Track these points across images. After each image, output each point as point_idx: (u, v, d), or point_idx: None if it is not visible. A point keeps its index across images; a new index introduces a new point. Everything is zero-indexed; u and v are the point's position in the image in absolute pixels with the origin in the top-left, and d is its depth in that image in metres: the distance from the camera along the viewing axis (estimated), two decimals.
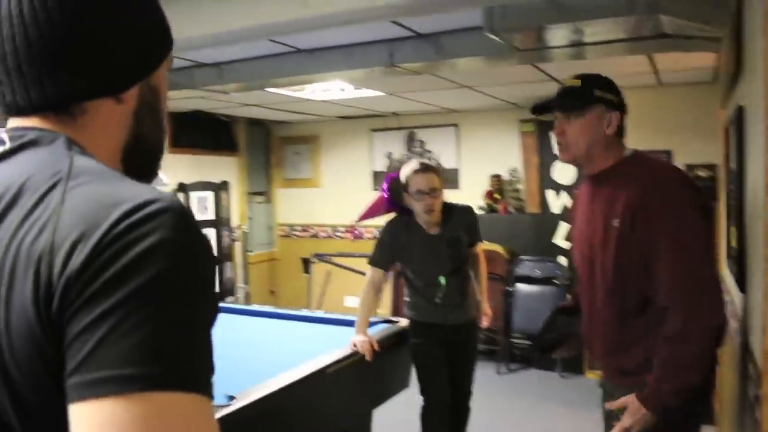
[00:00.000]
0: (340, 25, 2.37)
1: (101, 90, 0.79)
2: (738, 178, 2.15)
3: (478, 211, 6.36)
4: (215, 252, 6.52)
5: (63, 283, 0.62)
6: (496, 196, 6.39)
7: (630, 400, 1.86)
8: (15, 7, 0.75)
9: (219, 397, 2.27)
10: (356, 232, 4.30)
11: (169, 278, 0.63)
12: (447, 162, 7.00)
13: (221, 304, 4.40)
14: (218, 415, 2.17)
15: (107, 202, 0.66)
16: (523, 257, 6.12)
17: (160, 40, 0.85)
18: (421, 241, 3.32)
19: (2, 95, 0.78)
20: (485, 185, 6.51)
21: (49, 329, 0.63)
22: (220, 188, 6.80)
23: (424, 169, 3.25)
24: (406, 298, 3.53)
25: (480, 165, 6.69)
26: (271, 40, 3.32)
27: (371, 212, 3.70)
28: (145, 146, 0.87)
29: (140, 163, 0.87)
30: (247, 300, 7.09)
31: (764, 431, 1.44)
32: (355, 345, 2.97)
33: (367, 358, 2.95)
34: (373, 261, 3.37)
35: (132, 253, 0.62)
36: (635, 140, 5.29)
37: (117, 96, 0.80)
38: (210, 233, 6.68)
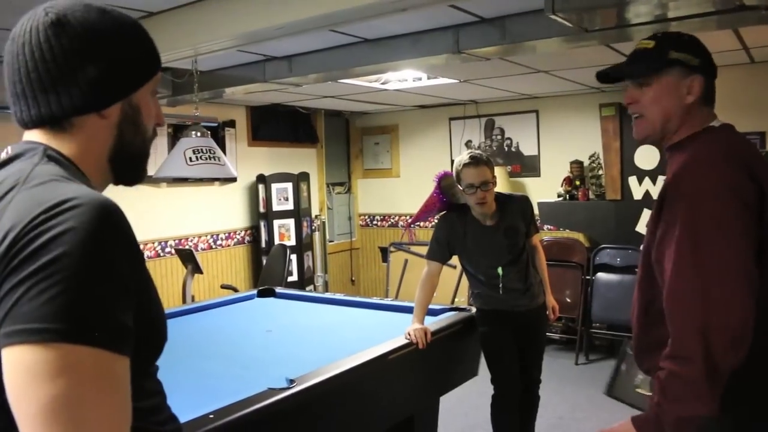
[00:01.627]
0: (394, 12, 2.36)
1: (85, 108, 1.01)
2: None
3: (557, 199, 6.28)
4: (294, 241, 6.68)
5: None
6: (576, 182, 6.22)
7: (626, 427, 1.59)
8: (19, 47, 1.00)
9: (279, 380, 2.34)
10: (412, 232, 4.22)
11: (72, 256, 0.80)
12: (527, 149, 6.89)
13: (297, 292, 4.50)
14: (276, 398, 2.23)
15: (37, 201, 0.86)
16: (603, 245, 5.95)
17: (142, 65, 1.08)
18: (478, 234, 3.33)
19: (15, 114, 1.04)
20: (565, 172, 6.36)
21: None
22: (299, 179, 6.94)
23: (475, 162, 3.22)
24: (472, 289, 3.54)
25: (560, 151, 6.53)
26: (337, 31, 3.35)
27: (424, 212, 3.63)
28: (128, 153, 1.08)
29: (125, 166, 1.10)
30: (326, 289, 7.21)
31: None
32: (409, 334, 2.97)
33: (420, 346, 2.92)
34: (430, 254, 3.39)
35: (43, 237, 0.81)
36: (726, 121, 5.07)
37: (100, 112, 1.02)
38: (289, 223, 6.83)
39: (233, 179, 6.52)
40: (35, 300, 0.78)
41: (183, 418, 1.99)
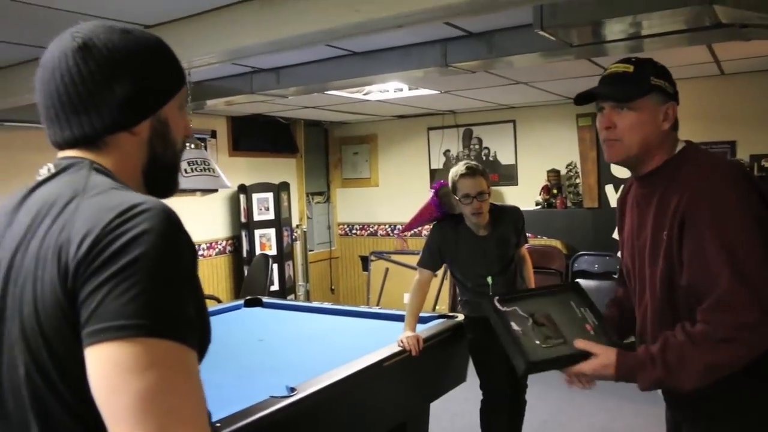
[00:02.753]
0: (391, 28, 2.42)
1: (116, 127, 1.06)
2: None
3: (535, 207, 6.40)
4: (275, 251, 6.71)
5: (74, 264, 0.88)
6: (554, 191, 6.35)
7: (605, 353, 1.73)
8: (50, 73, 1.05)
9: (280, 388, 2.39)
10: (404, 240, 4.25)
11: (150, 257, 0.86)
12: (504, 158, 7.01)
13: (283, 301, 4.53)
14: (279, 405, 2.27)
15: (106, 207, 0.92)
16: (581, 252, 6.08)
17: (167, 81, 1.12)
18: (470, 244, 3.37)
19: (50, 136, 1.09)
20: (543, 181, 6.48)
21: (68, 296, 0.88)
22: (280, 189, 6.98)
23: (471, 172, 3.27)
24: (459, 297, 3.58)
25: (537, 160, 6.66)
26: (327, 45, 3.41)
27: (419, 220, 3.65)
28: (160, 166, 1.14)
29: (158, 178, 1.15)
30: (308, 298, 7.24)
31: None
32: (402, 342, 3.02)
33: (413, 353, 2.99)
34: (422, 263, 3.43)
35: (121, 240, 0.87)
36: (697, 131, 5.21)
37: (130, 130, 1.07)
38: (270, 233, 6.86)
39: (215, 189, 6.53)
40: (119, 299, 0.84)
41: None
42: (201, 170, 3.18)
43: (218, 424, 2.09)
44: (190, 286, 0.92)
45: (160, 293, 0.86)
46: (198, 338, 0.91)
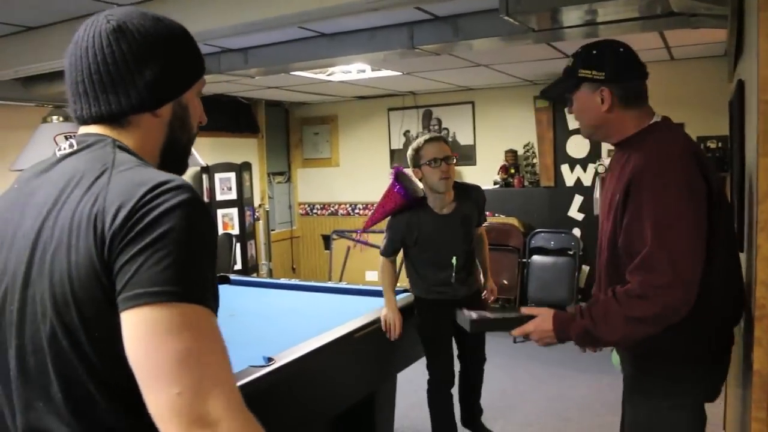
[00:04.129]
0: (364, 11, 2.52)
1: (140, 108, 1.13)
2: (739, 149, 2.29)
3: (493, 186, 6.58)
4: (237, 230, 6.75)
5: (110, 234, 0.95)
6: (512, 170, 6.54)
7: (545, 312, 1.96)
8: (83, 51, 1.11)
9: (257, 358, 2.48)
10: (364, 241, 4.01)
11: (180, 230, 0.95)
12: (463, 139, 7.15)
13: (250, 278, 4.61)
14: (258, 374, 2.37)
15: (137, 182, 0.99)
16: (538, 230, 6.30)
17: (190, 69, 1.19)
18: (435, 224, 3.34)
19: (75, 111, 1.15)
20: (501, 161, 6.66)
21: (104, 264, 0.95)
22: (242, 169, 7.00)
23: (436, 138, 3.32)
24: (411, 277, 3.52)
25: (496, 141, 6.83)
26: (297, 27, 3.47)
27: (383, 212, 3.50)
28: (177, 147, 1.22)
29: (173, 158, 1.22)
30: (271, 276, 7.31)
31: (755, 370, 1.61)
32: (383, 319, 3.14)
33: (395, 335, 3.15)
34: (386, 252, 3.44)
35: (154, 213, 0.95)
36: None
37: (154, 111, 1.14)
38: (233, 213, 6.90)
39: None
40: (153, 268, 0.92)
41: None
42: None
43: None
44: (211, 257, 1.00)
45: (189, 263, 0.94)
46: (218, 303, 1.00)
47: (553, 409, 4.33)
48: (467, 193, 3.46)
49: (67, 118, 3.33)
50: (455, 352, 3.55)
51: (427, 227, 3.34)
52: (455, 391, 3.55)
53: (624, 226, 1.84)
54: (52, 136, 3.07)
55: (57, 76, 4.10)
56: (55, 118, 3.27)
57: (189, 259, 0.94)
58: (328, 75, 5.51)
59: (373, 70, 5.39)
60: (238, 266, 6.84)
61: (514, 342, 5.35)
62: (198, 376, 0.89)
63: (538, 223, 6.36)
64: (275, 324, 3.34)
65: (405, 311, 3.33)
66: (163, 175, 1.01)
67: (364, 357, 3.11)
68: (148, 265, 0.92)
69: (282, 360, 2.53)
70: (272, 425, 2.41)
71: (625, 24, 3.21)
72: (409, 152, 3.38)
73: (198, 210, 0.99)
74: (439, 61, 4.79)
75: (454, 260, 3.35)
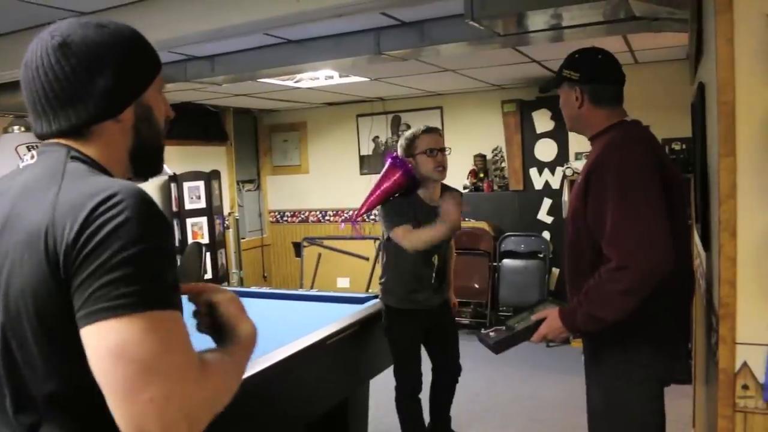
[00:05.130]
0: (330, 18, 2.52)
1: (100, 117, 1.12)
2: (701, 150, 2.33)
3: (463, 191, 6.59)
4: (207, 239, 6.69)
5: (63, 251, 0.95)
6: (481, 175, 6.58)
7: (551, 313, 2.11)
8: (34, 71, 1.10)
9: None
10: (358, 229, 3.74)
11: (133, 240, 0.95)
12: None
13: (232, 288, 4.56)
14: None
15: (86, 193, 0.99)
16: (508, 233, 6.33)
17: (144, 69, 1.18)
18: (425, 213, 3.24)
19: (36, 129, 1.15)
20: (470, 165, 6.70)
21: (59, 281, 0.95)
22: (210, 177, 6.94)
23: (434, 129, 3.36)
24: (384, 282, 3.40)
25: (465, 146, 6.86)
26: (263, 33, 3.46)
27: (383, 193, 3.31)
28: (146, 149, 1.20)
29: (144, 160, 1.21)
30: (241, 285, 7.25)
31: (721, 368, 1.64)
32: (449, 212, 3.10)
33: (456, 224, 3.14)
34: (398, 221, 3.21)
35: (106, 228, 0.95)
36: None
37: (115, 118, 1.13)
38: (202, 221, 6.83)
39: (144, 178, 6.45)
40: (110, 284, 0.93)
41: None
42: None
43: None
44: (168, 259, 1.00)
45: (145, 272, 0.95)
46: (180, 299, 1.01)
47: (527, 410, 4.36)
48: (452, 193, 3.44)
49: (28, 128, 3.26)
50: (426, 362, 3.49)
51: (419, 215, 3.25)
52: (424, 396, 3.51)
53: (589, 206, 2.02)
54: (13, 147, 3.01)
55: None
56: (16, 128, 3.21)
57: (144, 268, 0.95)
58: (296, 82, 5.49)
59: (341, 76, 5.39)
60: (209, 275, 6.77)
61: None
62: (165, 380, 0.91)
63: (508, 227, 6.40)
64: None
65: (373, 319, 3.31)
66: (112, 185, 1.00)
67: (335, 364, 3.10)
68: (104, 281, 0.93)
69: (250, 369, 2.51)
70: (240, 427, 2.41)
71: (590, 28, 3.26)
72: (403, 141, 3.33)
73: (149, 218, 0.99)
74: (406, 66, 4.80)
75: (435, 259, 3.32)
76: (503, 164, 6.54)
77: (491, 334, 2.30)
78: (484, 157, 6.65)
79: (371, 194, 3.39)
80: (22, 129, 3.21)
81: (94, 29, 1.12)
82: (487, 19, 2.77)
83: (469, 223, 6.72)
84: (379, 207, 3.37)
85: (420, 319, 3.35)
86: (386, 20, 3.38)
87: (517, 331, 2.25)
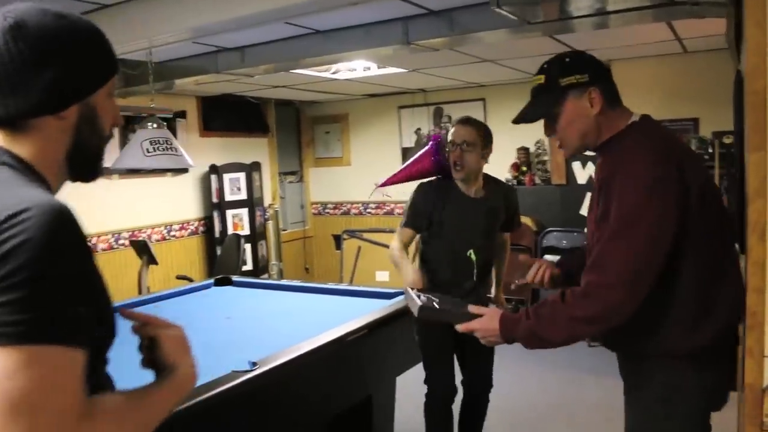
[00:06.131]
0: (350, 4, 2.45)
1: (42, 110, 1.05)
2: (738, 143, 2.18)
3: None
4: (247, 230, 6.72)
5: None
6: (523, 168, 6.43)
7: (492, 312, 1.91)
8: None
9: (242, 363, 2.42)
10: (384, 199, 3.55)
11: (31, 264, 0.87)
12: None
13: (253, 280, 4.56)
14: (240, 379, 2.31)
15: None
16: (550, 228, 6.17)
17: (98, 68, 1.11)
18: (460, 204, 3.05)
19: None
20: (512, 158, 6.55)
21: None
22: (251, 169, 6.97)
23: (466, 120, 3.11)
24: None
25: (507, 138, 6.70)
26: (290, 23, 3.41)
27: (406, 173, 3.24)
28: (85, 152, 1.13)
29: (81, 165, 1.14)
30: (281, 277, 7.27)
31: (747, 383, 1.51)
32: (409, 285, 2.78)
33: (419, 286, 2.79)
34: (406, 222, 3.12)
35: (5, 246, 0.87)
36: (662, 108, 5.28)
37: (57, 114, 1.06)
38: (243, 213, 6.87)
39: (185, 170, 6.53)
40: (4, 306, 0.86)
41: None
42: (163, 149, 3.19)
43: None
44: (76, 284, 0.92)
45: (38, 300, 0.87)
46: (87, 334, 0.93)
47: (559, 413, 4.22)
48: (499, 188, 3.24)
49: (159, 125, 3.32)
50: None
51: (452, 206, 3.05)
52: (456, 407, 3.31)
53: (592, 227, 1.83)
54: (140, 142, 3.06)
55: None
56: (149, 124, 3.25)
57: (38, 295, 0.87)
58: (333, 73, 5.45)
59: (379, 67, 5.32)
60: (249, 267, 6.81)
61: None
62: (31, 422, 0.84)
63: (550, 222, 6.23)
64: (271, 327, 3.28)
65: (398, 315, 3.22)
66: (29, 199, 0.93)
67: (357, 360, 3.04)
68: None
69: (266, 365, 2.47)
70: (260, 427, 2.38)
71: (633, 14, 3.10)
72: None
73: (55, 239, 0.90)
74: (443, 57, 4.71)
75: (472, 254, 3.05)
76: (546, 157, 6.37)
77: (423, 298, 2.11)
78: (527, 150, 6.49)
79: (399, 171, 3.29)
80: (154, 126, 3.27)
81: (53, 17, 1.06)
82: (514, 5, 2.65)
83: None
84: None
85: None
86: (414, 9, 3.29)
87: (450, 311, 2.07)
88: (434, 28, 3.36)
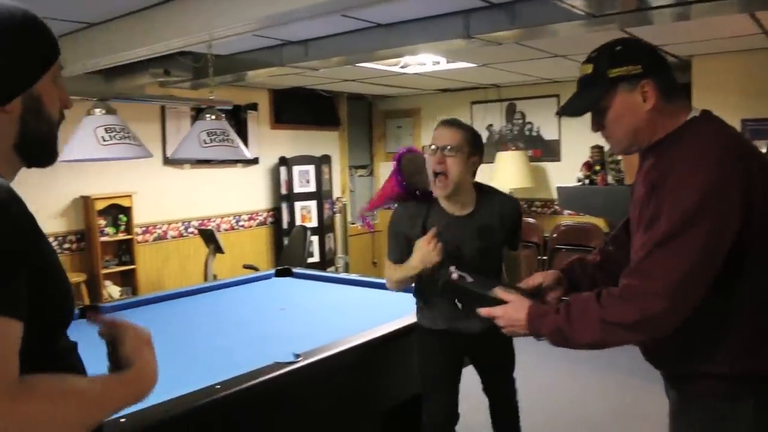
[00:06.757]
0: None
1: None
2: None
3: (576, 183, 6.28)
4: (315, 223, 6.77)
5: None
6: (596, 167, 6.23)
7: (520, 301, 1.76)
8: None
9: (287, 355, 2.44)
10: (369, 222, 3.24)
11: None
12: (548, 134, 6.91)
13: (313, 272, 4.59)
14: (281, 371, 2.33)
15: None
16: None
17: (37, 57, 1.08)
18: (444, 225, 2.56)
19: None
20: (585, 156, 6.36)
21: None
22: (321, 162, 7.04)
23: (448, 122, 2.59)
24: (419, 302, 2.81)
25: (581, 136, 6.53)
26: (349, 16, 3.41)
27: (382, 198, 2.86)
28: (34, 140, 1.10)
29: (32, 152, 1.12)
30: (347, 270, 7.31)
31: None
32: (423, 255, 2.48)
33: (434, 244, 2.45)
34: (392, 256, 2.74)
35: None
36: (747, 107, 4.99)
37: (0, 108, 1.03)
38: (311, 205, 6.95)
39: (255, 161, 6.65)
40: None
41: (192, 389, 2.12)
42: (219, 141, 3.24)
43: (218, 386, 2.16)
44: (8, 262, 0.93)
45: None
46: (23, 306, 0.94)
47: (614, 421, 4.07)
48: (494, 199, 2.69)
49: (109, 111, 3.41)
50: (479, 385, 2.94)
51: (434, 226, 2.55)
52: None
53: (637, 229, 1.65)
54: (93, 129, 3.15)
55: (134, 69, 4.24)
56: (98, 110, 3.36)
57: None
58: (402, 67, 5.42)
59: (448, 61, 5.26)
60: (316, 259, 6.89)
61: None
62: None
63: None
64: (323, 320, 3.30)
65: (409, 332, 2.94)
66: None
67: (405, 358, 3.00)
68: None
69: (310, 358, 2.49)
70: (303, 418, 2.40)
71: (718, 3, 2.91)
72: None
73: None
74: (512, 51, 4.60)
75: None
76: (619, 157, 6.14)
77: (455, 275, 1.95)
78: (601, 148, 6.28)
79: (377, 193, 2.90)
80: (104, 112, 3.35)
81: None
82: None
83: (579, 218, 6.39)
84: None
85: (454, 342, 2.70)
86: (475, 2, 3.22)
87: (474, 291, 1.89)
88: (495, 21, 3.27)
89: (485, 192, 2.68)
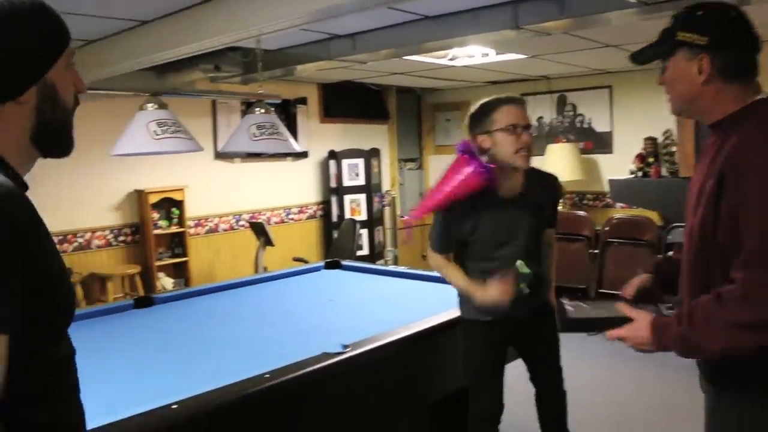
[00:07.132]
0: None
1: None
2: None
3: (629, 176, 6.16)
4: (365, 216, 6.81)
5: None
6: (649, 159, 6.09)
7: (642, 318, 1.69)
8: None
9: (336, 346, 2.47)
10: (410, 233, 2.94)
11: None
12: (599, 125, 6.78)
13: (362, 264, 4.62)
14: (330, 361, 2.36)
15: None
16: (676, 224, 5.80)
17: (48, 46, 1.07)
18: (498, 209, 2.54)
19: None
20: (638, 148, 6.23)
21: None
22: (370, 155, 7.06)
23: (517, 99, 2.56)
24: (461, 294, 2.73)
25: (633, 127, 6.40)
26: (396, 9, 3.41)
27: (452, 195, 2.57)
28: (51, 129, 1.10)
29: (49, 142, 1.12)
30: (396, 263, 7.32)
31: None
32: (494, 294, 2.44)
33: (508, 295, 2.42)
34: (436, 246, 2.71)
35: None
36: None
37: (15, 99, 1.04)
38: (360, 198, 6.98)
39: (305, 155, 6.72)
40: None
41: (241, 377, 2.16)
42: (269, 134, 3.29)
43: (267, 375, 2.20)
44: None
45: None
46: (13, 317, 0.94)
47: (630, 414, 3.98)
48: (542, 178, 2.68)
49: (161, 106, 3.48)
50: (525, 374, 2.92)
51: (488, 213, 2.53)
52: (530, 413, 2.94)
53: (722, 218, 1.56)
54: (146, 123, 3.23)
55: (185, 65, 4.32)
56: (150, 105, 3.43)
57: None
58: (450, 59, 5.39)
59: (497, 53, 5.21)
60: (366, 252, 6.92)
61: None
62: None
63: (677, 217, 5.85)
64: (372, 312, 3.32)
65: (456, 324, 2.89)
66: None
67: (452, 350, 3.00)
68: None
69: (358, 348, 2.51)
70: (349, 409, 2.43)
71: None
72: (474, 111, 2.58)
73: None
74: (562, 42, 4.53)
75: (520, 266, 2.52)
76: (674, 148, 6.00)
77: (568, 307, 1.98)
78: (654, 140, 6.14)
79: (437, 193, 2.65)
80: (156, 106, 3.43)
81: None
82: None
83: (631, 211, 6.27)
84: None
85: (501, 332, 2.66)
86: None
87: (596, 317, 1.93)
88: (544, 11, 3.22)
89: (530, 171, 2.62)
